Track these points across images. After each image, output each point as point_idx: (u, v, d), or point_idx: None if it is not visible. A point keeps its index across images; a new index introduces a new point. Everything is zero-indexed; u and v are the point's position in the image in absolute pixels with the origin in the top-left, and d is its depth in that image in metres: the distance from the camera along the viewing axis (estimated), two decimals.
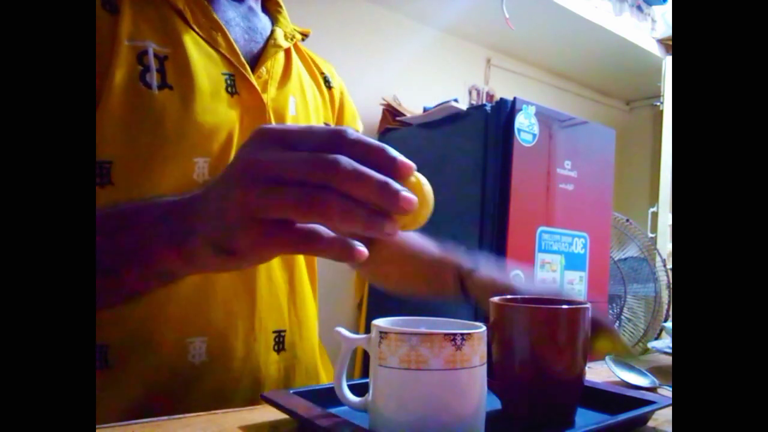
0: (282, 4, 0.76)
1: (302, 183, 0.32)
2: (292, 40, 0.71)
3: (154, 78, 0.57)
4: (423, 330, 0.41)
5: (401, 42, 2.61)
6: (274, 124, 0.43)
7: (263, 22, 0.71)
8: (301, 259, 0.67)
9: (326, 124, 0.75)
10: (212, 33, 0.62)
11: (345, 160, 0.32)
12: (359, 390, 0.47)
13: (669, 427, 0.51)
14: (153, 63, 0.57)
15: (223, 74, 0.61)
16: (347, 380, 0.47)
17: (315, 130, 0.34)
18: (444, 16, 2.63)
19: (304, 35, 0.78)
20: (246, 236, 0.34)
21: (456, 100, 2.03)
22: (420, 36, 2.69)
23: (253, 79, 0.63)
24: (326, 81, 0.79)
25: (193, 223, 0.38)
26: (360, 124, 0.84)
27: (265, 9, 0.75)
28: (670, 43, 3.09)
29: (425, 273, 0.72)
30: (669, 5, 3.05)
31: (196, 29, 0.61)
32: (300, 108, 0.69)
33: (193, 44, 0.60)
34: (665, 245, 2.97)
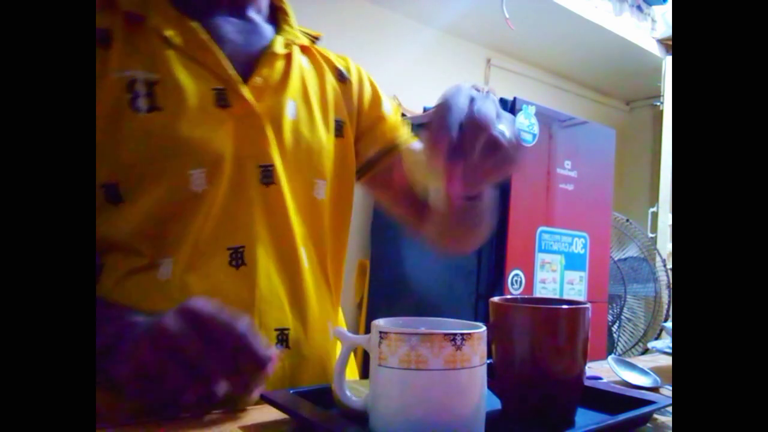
0: (289, 12, 0.77)
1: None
2: (289, 46, 0.72)
3: (142, 103, 0.61)
4: (423, 330, 0.41)
5: (401, 42, 2.61)
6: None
7: (264, 32, 0.73)
8: (302, 259, 0.67)
9: (336, 122, 0.74)
10: (200, 52, 0.65)
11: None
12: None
13: (669, 427, 0.51)
14: (142, 89, 0.61)
15: (213, 89, 0.64)
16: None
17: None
18: (444, 16, 2.63)
19: (314, 38, 0.79)
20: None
21: None
22: (420, 36, 2.69)
23: (245, 90, 0.65)
24: (340, 75, 0.79)
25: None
26: (387, 104, 0.83)
27: (275, 18, 0.76)
28: (670, 43, 3.09)
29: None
30: (669, 5, 3.05)
31: (185, 51, 0.64)
32: (301, 111, 0.70)
33: (182, 66, 0.64)
34: (665, 245, 2.97)
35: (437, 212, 0.72)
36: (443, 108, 0.46)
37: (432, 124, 0.45)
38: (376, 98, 0.82)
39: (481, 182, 0.50)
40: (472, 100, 0.47)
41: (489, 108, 0.47)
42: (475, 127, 0.45)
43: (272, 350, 0.50)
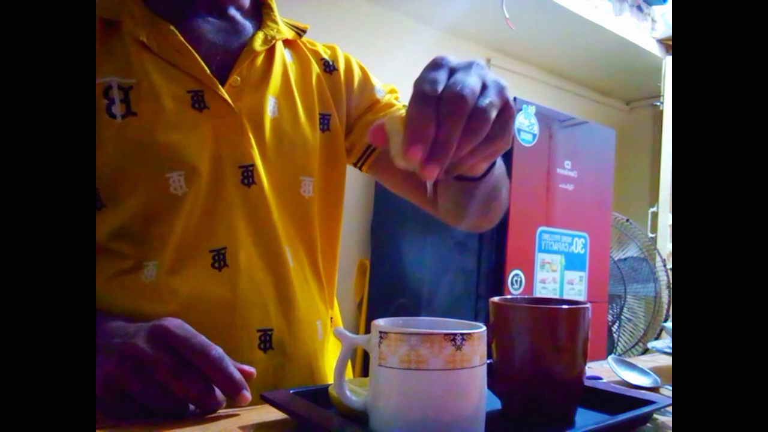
0: (273, 6, 0.76)
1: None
2: (270, 42, 0.71)
3: (118, 109, 0.61)
4: (423, 330, 0.41)
5: (401, 42, 2.61)
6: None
7: (245, 29, 0.72)
8: (287, 259, 0.67)
9: (322, 115, 0.73)
10: (176, 55, 0.64)
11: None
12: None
13: (669, 427, 0.51)
14: (117, 95, 0.61)
15: (189, 92, 0.64)
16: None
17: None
18: (444, 16, 2.63)
19: (301, 31, 0.78)
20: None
21: None
22: (420, 36, 2.69)
23: (222, 90, 0.65)
24: (327, 66, 0.78)
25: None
26: (380, 89, 0.82)
27: (260, 13, 0.75)
28: (670, 43, 3.09)
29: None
30: (669, 5, 3.05)
31: (160, 55, 0.64)
32: (283, 107, 0.70)
33: (158, 70, 0.63)
34: (665, 245, 2.97)
35: (446, 193, 0.69)
36: (417, 91, 0.41)
37: (407, 113, 0.41)
38: (366, 84, 0.81)
39: (467, 162, 0.45)
40: (452, 71, 0.43)
41: (470, 80, 0.42)
42: (453, 103, 0.40)
43: (250, 369, 0.51)
